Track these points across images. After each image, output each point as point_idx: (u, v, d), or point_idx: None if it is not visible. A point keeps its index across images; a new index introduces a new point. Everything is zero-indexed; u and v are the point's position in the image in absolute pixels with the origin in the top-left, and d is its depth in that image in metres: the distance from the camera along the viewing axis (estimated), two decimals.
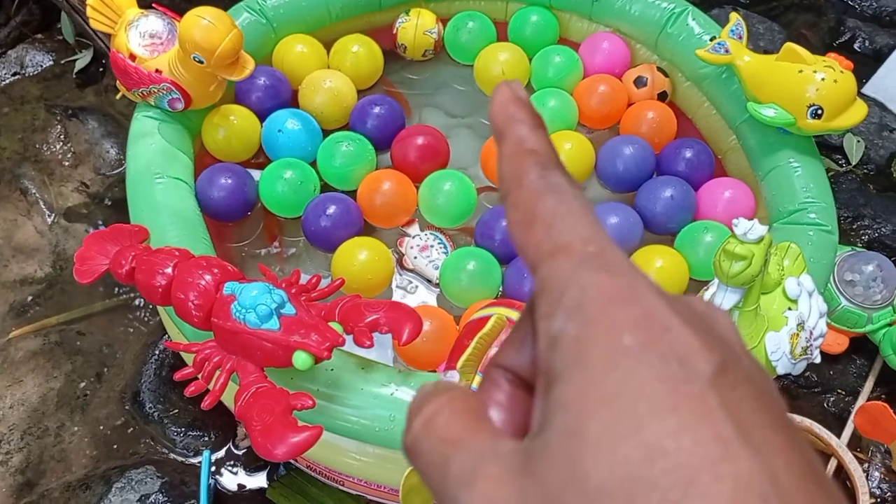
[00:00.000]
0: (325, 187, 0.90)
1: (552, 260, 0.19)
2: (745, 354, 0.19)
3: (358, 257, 0.80)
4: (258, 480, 0.85)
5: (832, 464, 0.88)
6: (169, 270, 0.67)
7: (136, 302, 0.96)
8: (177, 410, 0.88)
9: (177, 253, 0.68)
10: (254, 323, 0.61)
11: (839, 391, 0.96)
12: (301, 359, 0.59)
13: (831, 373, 0.96)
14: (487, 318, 0.60)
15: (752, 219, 0.58)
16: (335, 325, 0.64)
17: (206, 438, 0.87)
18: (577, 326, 0.18)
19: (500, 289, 0.84)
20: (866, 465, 0.91)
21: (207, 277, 0.65)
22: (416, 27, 1.01)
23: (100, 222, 1.02)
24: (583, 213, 0.20)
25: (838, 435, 0.90)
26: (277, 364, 0.62)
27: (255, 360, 0.63)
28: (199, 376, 0.64)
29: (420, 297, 0.88)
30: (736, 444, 0.16)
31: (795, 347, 0.64)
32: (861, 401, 0.93)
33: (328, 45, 0.99)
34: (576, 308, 0.18)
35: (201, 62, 0.75)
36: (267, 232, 0.90)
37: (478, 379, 0.58)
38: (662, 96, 0.98)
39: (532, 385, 0.21)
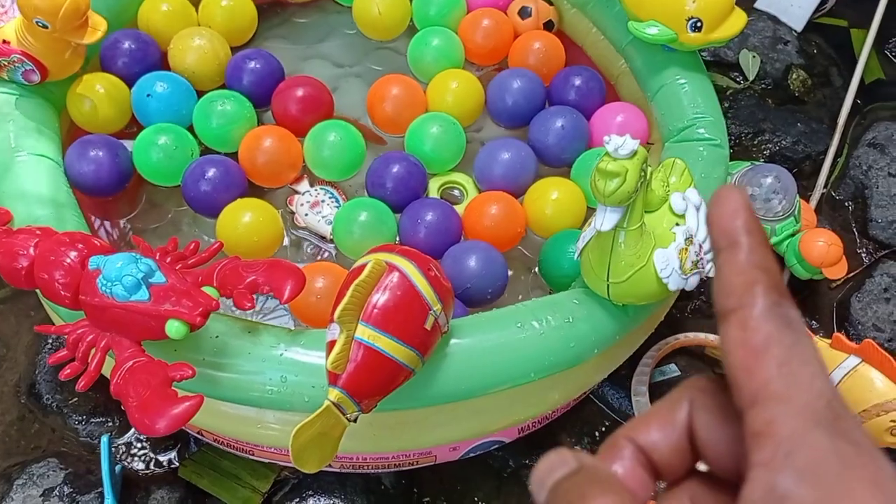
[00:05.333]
0: (207, 151, 0.85)
1: (781, 405, 0.19)
2: None
3: (242, 220, 0.76)
4: (168, 460, 0.82)
5: None
6: (31, 251, 0.63)
7: (21, 293, 0.91)
8: (76, 399, 0.84)
9: (38, 231, 0.64)
10: (122, 296, 0.58)
11: None
12: (174, 327, 0.56)
13: None
14: (364, 266, 0.58)
15: (623, 135, 0.56)
16: (210, 290, 0.61)
17: (111, 424, 0.84)
18: (813, 495, 0.18)
19: (396, 238, 0.81)
20: None
21: (72, 254, 0.61)
22: None
23: None
24: (816, 361, 0.20)
25: None
26: (152, 336, 0.59)
27: (130, 335, 0.60)
28: (75, 358, 0.60)
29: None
30: None
31: (685, 262, 0.63)
32: None
33: (196, 3, 0.94)
34: (810, 472, 0.18)
35: (46, 27, 0.70)
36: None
37: (360, 328, 0.56)
38: (549, 25, 0.96)
39: (656, 466, 0.23)
